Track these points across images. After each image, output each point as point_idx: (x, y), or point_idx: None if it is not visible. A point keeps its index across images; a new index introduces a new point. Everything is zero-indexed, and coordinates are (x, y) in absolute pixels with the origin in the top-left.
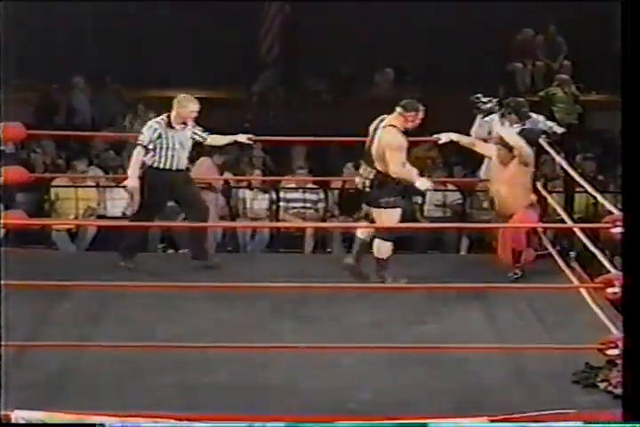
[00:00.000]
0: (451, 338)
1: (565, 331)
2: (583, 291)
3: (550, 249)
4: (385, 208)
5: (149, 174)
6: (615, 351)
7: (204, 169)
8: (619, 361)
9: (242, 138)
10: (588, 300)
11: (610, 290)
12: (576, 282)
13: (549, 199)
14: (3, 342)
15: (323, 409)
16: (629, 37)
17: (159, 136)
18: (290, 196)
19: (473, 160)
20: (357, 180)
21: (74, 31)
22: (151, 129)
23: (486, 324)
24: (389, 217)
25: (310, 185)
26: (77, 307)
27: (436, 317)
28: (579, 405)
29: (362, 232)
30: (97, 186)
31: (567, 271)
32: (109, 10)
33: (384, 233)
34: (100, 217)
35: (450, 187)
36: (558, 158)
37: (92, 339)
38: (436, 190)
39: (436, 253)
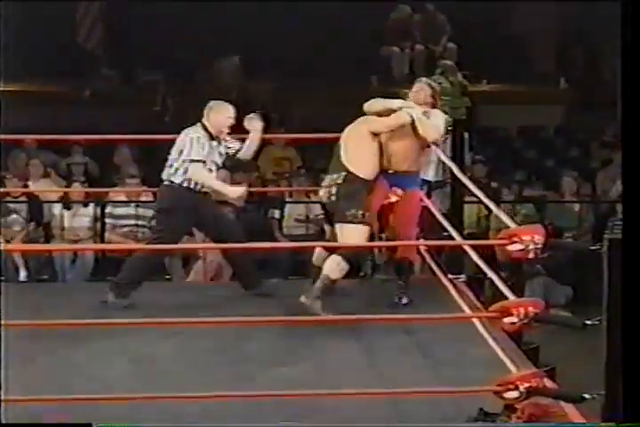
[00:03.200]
0: (321, 380)
1: (455, 369)
2: (476, 321)
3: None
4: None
5: (179, 195)
6: (514, 394)
7: None
8: (518, 406)
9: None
10: (482, 331)
11: (507, 320)
12: (467, 311)
13: (434, 211)
14: None
15: None
16: (630, 37)
17: (203, 150)
18: (119, 211)
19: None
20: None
21: None
22: (198, 141)
23: (362, 361)
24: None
25: (144, 198)
26: None
27: (304, 355)
28: None
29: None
30: None
31: (456, 298)
32: None
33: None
34: None
35: (315, 198)
36: (448, 161)
37: None
38: (297, 202)
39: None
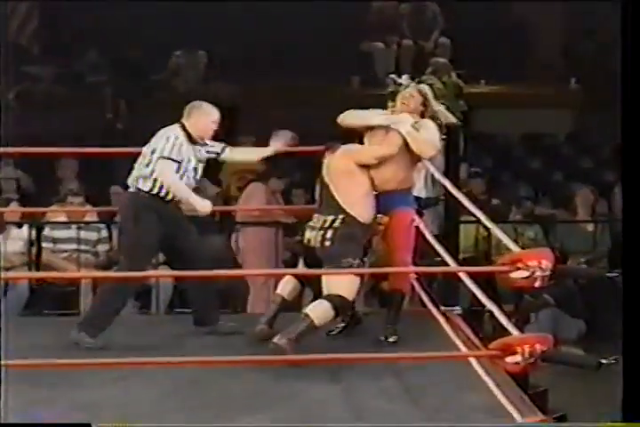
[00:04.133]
0: None
1: (449, 417)
2: (473, 361)
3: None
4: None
5: (147, 204)
6: None
7: (258, 199)
8: None
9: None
10: (481, 372)
11: (510, 359)
12: (463, 348)
13: (425, 232)
14: None
15: None
16: (630, 37)
17: (180, 152)
18: (58, 234)
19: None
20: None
21: None
22: (176, 139)
23: (342, 407)
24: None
25: (88, 218)
26: None
27: (274, 400)
28: None
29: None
30: None
31: (450, 333)
32: None
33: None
34: None
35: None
36: (439, 176)
37: None
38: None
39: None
